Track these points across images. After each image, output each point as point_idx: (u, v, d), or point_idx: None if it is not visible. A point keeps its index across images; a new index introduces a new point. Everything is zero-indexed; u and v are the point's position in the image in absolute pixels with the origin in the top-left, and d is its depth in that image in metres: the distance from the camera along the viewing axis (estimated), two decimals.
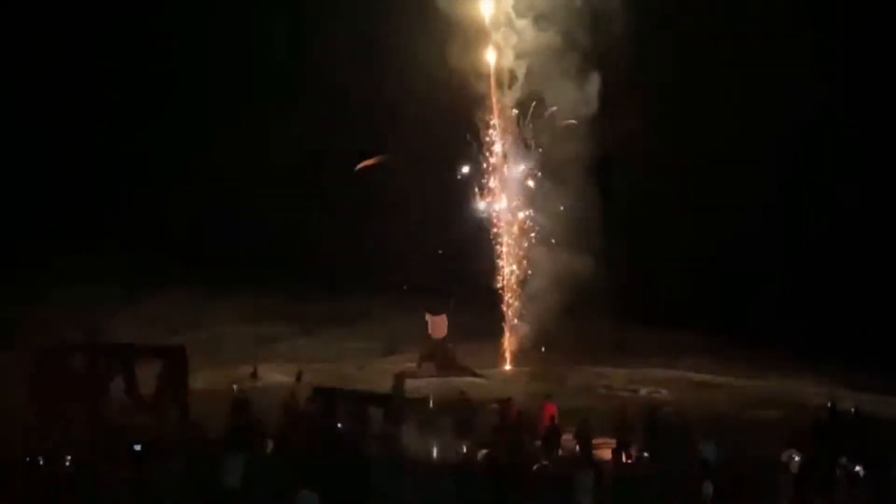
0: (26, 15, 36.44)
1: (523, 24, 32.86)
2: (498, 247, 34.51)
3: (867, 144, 35.82)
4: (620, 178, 34.05)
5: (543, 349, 32.75)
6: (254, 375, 27.33)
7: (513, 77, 33.47)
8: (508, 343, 33.69)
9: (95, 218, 37.16)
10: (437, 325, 30.73)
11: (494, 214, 34.24)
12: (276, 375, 28.14)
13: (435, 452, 14.89)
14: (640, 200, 34.90)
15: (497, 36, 33.25)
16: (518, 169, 34.18)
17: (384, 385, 23.98)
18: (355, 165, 34.53)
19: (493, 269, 34.61)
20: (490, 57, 33.21)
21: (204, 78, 37.78)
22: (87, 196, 37.59)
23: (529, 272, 34.20)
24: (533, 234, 33.89)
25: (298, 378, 27.35)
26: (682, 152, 34.52)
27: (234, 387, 21.18)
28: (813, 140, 35.52)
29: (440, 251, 33.80)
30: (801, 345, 30.86)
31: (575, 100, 32.25)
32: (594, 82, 32.15)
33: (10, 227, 34.43)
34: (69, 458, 9.68)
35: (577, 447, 18.04)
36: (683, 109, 34.40)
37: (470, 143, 34.10)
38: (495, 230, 34.28)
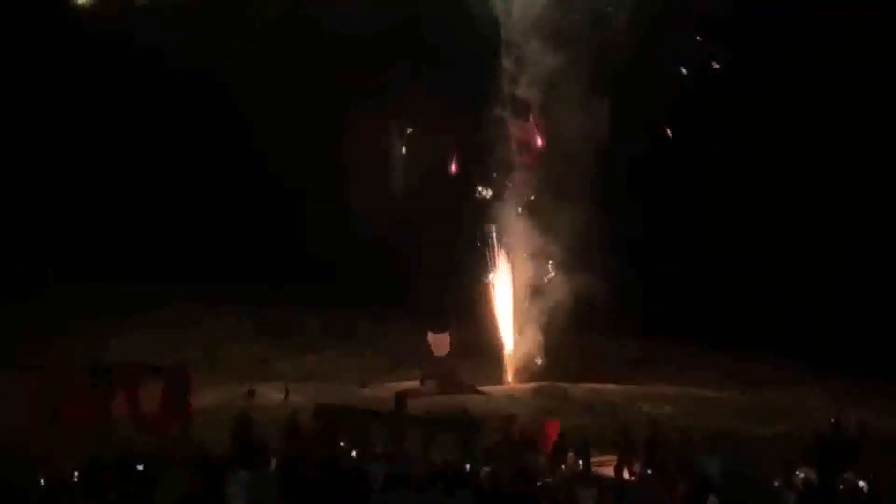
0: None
1: (536, 48, 33.11)
2: (502, 265, 34.63)
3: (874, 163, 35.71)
4: (624, 197, 34.11)
5: (546, 366, 32.74)
6: (251, 395, 27.32)
7: (527, 104, 33.82)
8: (511, 360, 33.67)
9: (96, 236, 37.10)
10: (439, 343, 30.71)
11: (499, 232, 34.47)
12: (275, 394, 28.17)
13: (438, 470, 14.85)
14: (642, 217, 34.94)
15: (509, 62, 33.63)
16: (526, 189, 34.36)
17: (386, 403, 24.02)
18: (356, 179, 34.64)
19: (496, 287, 34.73)
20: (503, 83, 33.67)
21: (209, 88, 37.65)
22: (86, 211, 37.47)
23: (533, 290, 34.26)
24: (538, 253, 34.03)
25: (286, 396, 27.46)
26: (688, 169, 34.61)
27: (241, 409, 21.19)
28: (822, 155, 35.48)
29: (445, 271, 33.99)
30: (804, 359, 30.80)
31: (585, 122, 32.46)
32: (604, 105, 32.38)
33: (11, 245, 34.35)
34: (75, 475, 9.67)
35: (580, 463, 18.02)
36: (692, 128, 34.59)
37: (480, 165, 34.44)
38: (501, 249, 34.49)
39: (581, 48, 32.32)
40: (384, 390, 28.59)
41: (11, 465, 12.33)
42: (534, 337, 33.62)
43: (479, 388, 30.09)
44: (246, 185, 37.80)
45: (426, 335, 30.85)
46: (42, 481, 11.93)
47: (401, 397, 25.13)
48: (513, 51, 33.57)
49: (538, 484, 12.92)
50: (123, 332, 31.44)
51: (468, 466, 14.67)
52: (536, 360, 33.20)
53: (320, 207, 35.98)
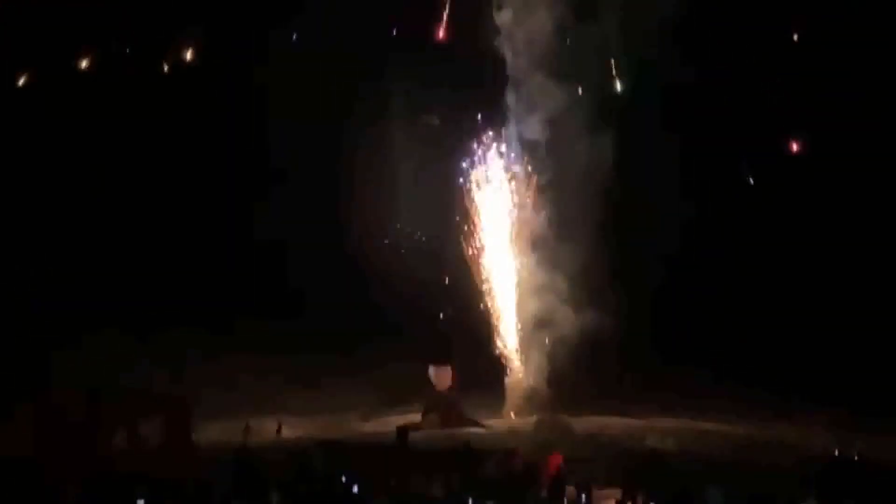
0: None
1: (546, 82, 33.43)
2: (504, 297, 34.63)
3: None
4: (627, 228, 34.21)
5: (548, 399, 32.61)
6: (247, 431, 27.23)
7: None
8: (513, 393, 33.53)
9: (96, 269, 37.13)
10: (441, 377, 30.65)
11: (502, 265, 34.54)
12: (273, 428, 28.10)
13: None
14: (644, 248, 34.99)
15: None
16: (527, 220, 34.48)
17: (388, 437, 23.92)
18: (361, 211, 34.84)
19: (498, 321, 34.71)
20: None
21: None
22: (87, 247, 37.54)
23: (534, 322, 34.23)
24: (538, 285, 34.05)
25: (278, 430, 27.43)
26: (692, 201, 34.74)
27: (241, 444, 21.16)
28: (829, 190, 35.54)
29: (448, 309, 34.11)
30: (807, 391, 30.70)
31: (589, 153, 32.65)
32: (609, 136, 32.62)
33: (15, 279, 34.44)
34: None
35: (583, 497, 17.91)
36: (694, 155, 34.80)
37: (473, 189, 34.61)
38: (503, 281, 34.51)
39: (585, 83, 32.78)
40: (385, 424, 28.51)
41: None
42: (537, 370, 33.52)
43: (481, 422, 29.98)
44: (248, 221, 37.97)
45: (428, 368, 30.80)
46: None
47: (402, 431, 25.04)
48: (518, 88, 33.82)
49: None
50: (125, 365, 31.37)
51: (470, 501, 14.63)
52: (539, 393, 33.09)
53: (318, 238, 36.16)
